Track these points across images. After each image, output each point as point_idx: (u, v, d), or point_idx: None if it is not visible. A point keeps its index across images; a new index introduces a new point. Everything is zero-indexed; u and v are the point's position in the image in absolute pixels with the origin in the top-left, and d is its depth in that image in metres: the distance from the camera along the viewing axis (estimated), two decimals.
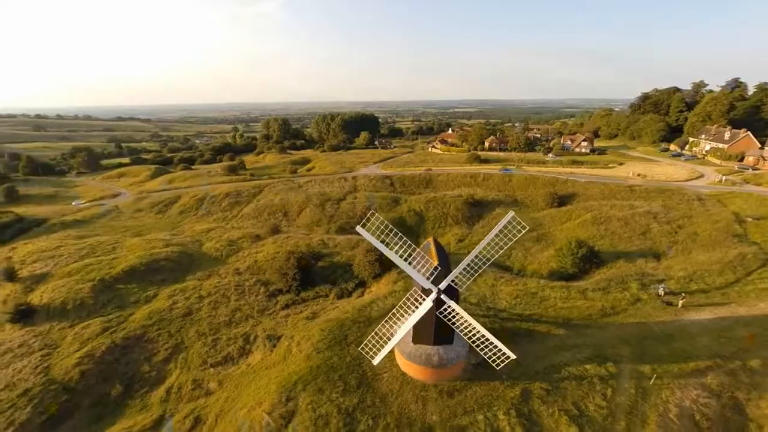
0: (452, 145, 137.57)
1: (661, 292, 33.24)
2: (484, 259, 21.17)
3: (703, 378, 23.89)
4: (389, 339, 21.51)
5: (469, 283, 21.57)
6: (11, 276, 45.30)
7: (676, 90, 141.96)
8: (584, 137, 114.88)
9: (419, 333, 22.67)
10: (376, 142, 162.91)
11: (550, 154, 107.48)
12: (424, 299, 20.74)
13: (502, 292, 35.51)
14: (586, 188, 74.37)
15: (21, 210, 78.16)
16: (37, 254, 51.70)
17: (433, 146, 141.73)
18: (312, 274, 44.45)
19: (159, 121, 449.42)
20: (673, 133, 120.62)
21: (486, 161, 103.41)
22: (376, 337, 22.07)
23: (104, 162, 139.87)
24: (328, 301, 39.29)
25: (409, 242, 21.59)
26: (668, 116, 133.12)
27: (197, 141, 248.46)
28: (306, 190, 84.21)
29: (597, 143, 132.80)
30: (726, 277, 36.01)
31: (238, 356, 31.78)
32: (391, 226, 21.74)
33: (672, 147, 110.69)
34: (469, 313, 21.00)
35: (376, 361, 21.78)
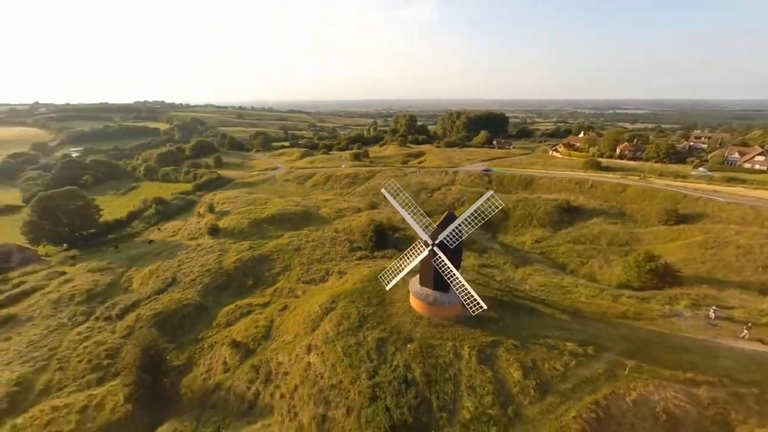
0: (577, 149, 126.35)
1: (711, 314, 30.94)
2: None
3: (694, 388, 24.16)
4: (398, 273, 30.47)
5: (457, 242, 28.20)
6: (211, 209, 72.10)
7: None
8: (761, 151, 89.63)
9: (424, 277, 30.77)
10: (494, 142, 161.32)
11: (701, 168, 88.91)
12: (423, 249, 28.84)
13: (532, 279, 38.89)
14: (723, 210, 62.05)
15: (222, 172, 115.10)
16: (225, 199, 79.14)
17: (555, 150, 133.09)
18: (386, 240, 55.50)
19: (318, 114, 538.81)
20: None
21: (606, 169, 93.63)
22: (390, 271, 31.29)
23: (273, 144, 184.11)
24: (390, 261, 49.60)
25: (422, 211, 29.94)
26: None
27: (341, 132, 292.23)
28: (408, 179, 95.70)
29: None
30: None
31: (319, 280, 45.72)
32: (410, 199, 30.32)
33: None
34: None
35: (387, 287, 31.18)
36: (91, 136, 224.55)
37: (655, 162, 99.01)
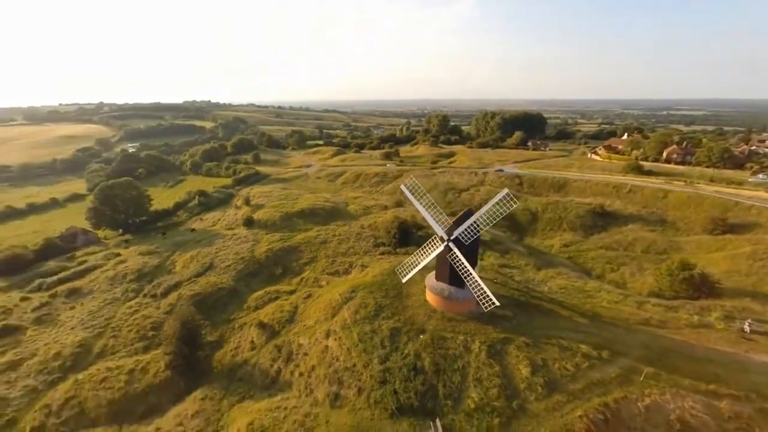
0: (619, 152, 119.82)
1: (746, 327, 29.19)
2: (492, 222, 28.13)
3: (715, 400, 23.31)
4: (414, 267, 31.64)
5: (472, 239, 28.84)
6: (247, 202, 76.89)
7: None
8: None
9: (439, 273, 31.70)
10: (529, 143, 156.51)
11: (761, 175, 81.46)
12: (439, 244, 29.80)
13: (553, 282, 38.41)
14: None
15: (259, 168, 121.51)
16: (260, 193, 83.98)
17: (594, 152, 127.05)
18: (409, 238, 56.56)
19: (352, 113, 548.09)
20: None
21: (649, 173, 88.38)
22: (407, 264, 32.55)
23: (308, 142, 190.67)
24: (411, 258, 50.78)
25: (439, 208, 30.88)
26: None
27: (375, 131, 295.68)
28: (436, 179, 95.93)
29: None
30: None
31: (342, 272, 47.82)
32: (428, 196, 31.35)
33: None
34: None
35: (404, 280, 32.51)
36: (146, 133, 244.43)
37: (707, 167, 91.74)
